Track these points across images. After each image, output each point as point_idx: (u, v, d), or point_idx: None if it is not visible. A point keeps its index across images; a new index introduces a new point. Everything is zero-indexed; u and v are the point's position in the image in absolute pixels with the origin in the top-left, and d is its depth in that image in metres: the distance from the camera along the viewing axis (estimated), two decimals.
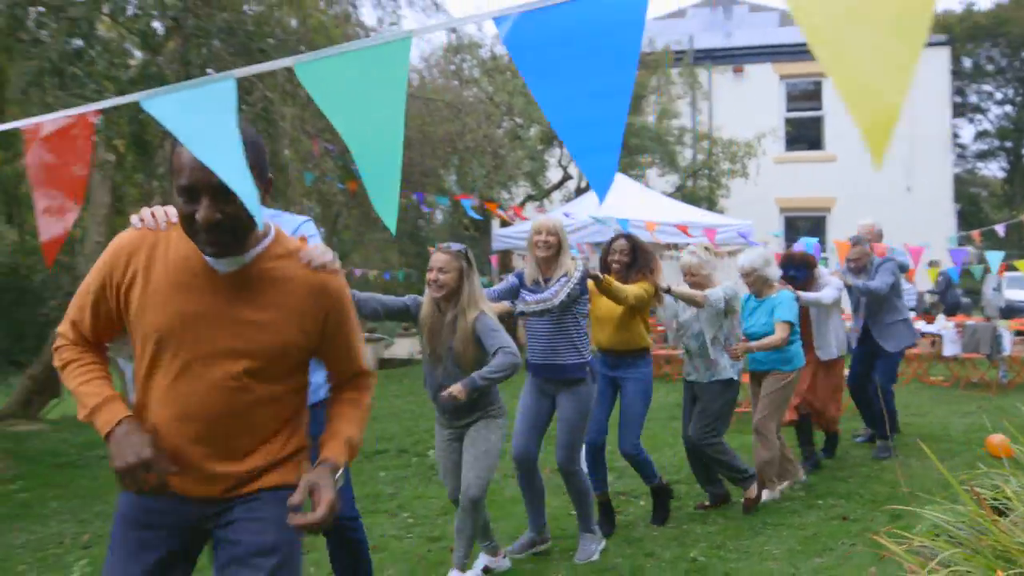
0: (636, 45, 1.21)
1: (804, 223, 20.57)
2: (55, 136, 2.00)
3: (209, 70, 7.93)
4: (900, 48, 0.97)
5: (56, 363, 2.08)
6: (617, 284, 4.78)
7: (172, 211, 2.03)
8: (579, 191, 18.49)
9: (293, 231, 3.05)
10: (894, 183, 18.95)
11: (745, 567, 4.30)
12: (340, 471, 2.02)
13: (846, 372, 6.64)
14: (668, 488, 5.26)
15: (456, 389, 3.77)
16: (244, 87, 7.22)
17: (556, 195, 19.88)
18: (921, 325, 11.24)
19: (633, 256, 5.04)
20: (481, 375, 3.80)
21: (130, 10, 6.22)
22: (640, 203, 13.26)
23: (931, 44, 19.15)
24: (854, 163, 18.98)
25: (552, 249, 4.52)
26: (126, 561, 2.01)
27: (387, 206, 1.49)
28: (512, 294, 4.65)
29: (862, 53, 0.99)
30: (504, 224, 15.33)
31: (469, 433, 4.09)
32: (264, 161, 1.94)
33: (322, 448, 2.07)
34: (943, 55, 19.62)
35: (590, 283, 4.67)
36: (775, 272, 5.67)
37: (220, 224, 1.83)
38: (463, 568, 4.07)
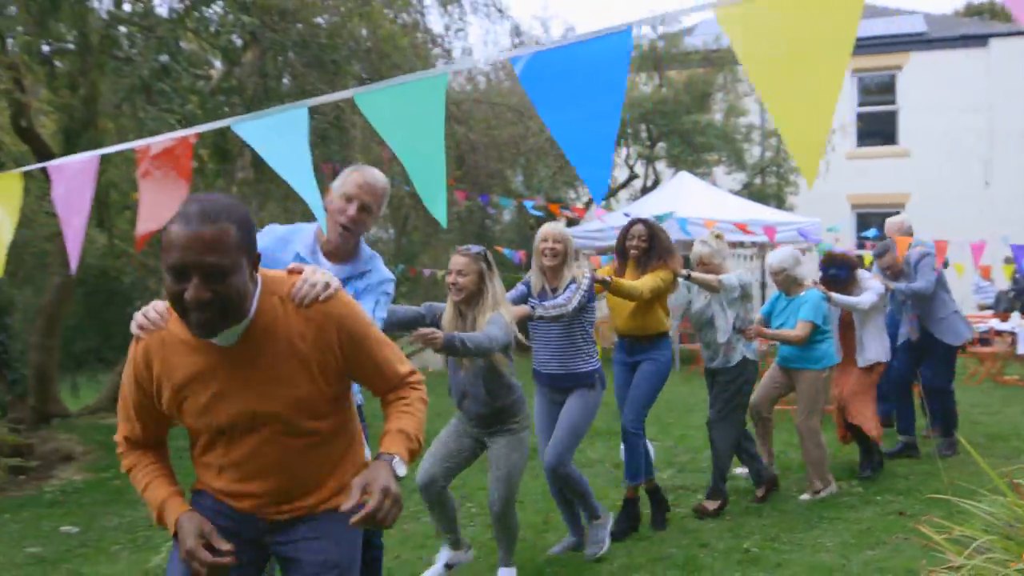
0: (623, 78, 1.41)
1: (877, 220, 20.14)
2: (162, 155, 2.27)
3: (285, 80, 8.36)
4: (823, 86, 1.16)
5: (122, 469, 2.20)
6: (627, 283, 4.76)
7: (161, 306, 2.07)
8: (644, 190, 18.53)
9: (380, 280, 3.06)
10: (971, 178, 18.47)
11: (797, 558, 4.41)
12: (397, 459, 2.00)
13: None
14: (638, 500, 5.09)
15: (438, 335, 3.55)
16: (315, 95, 7.54)
17: (623, 194, 19.96)
18: (995, 323, 11.02)
19: (651, 242, 4.97)
20: (459, 337, 3.63)
21: (212, 27, 6.62)
22: (704, 201, 13.28)
23: (1010, 34, 18.61)
24: (929, 158, 18.56)
25: (559, 257, 4.45)
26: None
27: (437, 205, 1.72)
28: (521, 301, 4.56)
29: (794, 90, 1.17)
30: (570, 224, 15.52)
31: (493, 449, 4.07)
32: (252, 236, 1.93)
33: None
34: (1021, 47, 19.02)
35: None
36: (804, 272, 5.70)
37: (210, 303, 1.84)
38: (508, 564, 4.19)
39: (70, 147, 7.33)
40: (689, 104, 17.18)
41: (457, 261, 3.92)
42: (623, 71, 1.39)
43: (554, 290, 4.50)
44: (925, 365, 6.51)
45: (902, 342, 6.56)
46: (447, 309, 4.03)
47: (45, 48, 7.11)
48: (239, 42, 7.35)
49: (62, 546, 5.31)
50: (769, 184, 19.06)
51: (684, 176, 14.91)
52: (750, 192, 18.26)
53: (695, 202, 13.08)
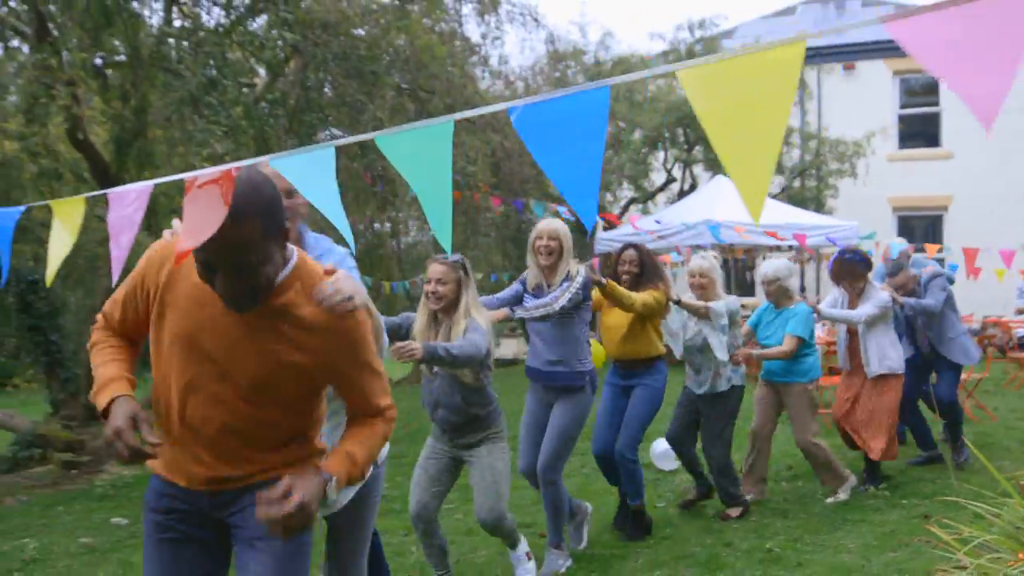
0: (603, 127, 1.57)
1: (919, 222, 19.95)
2: (207, 184, 2.46)
3: (326, 89, 8.64)
4: (766, 126, 1.32)
5: (88, 344, 2.21)
6: (622, 289, 4.72)
7: None
8: (682, 193, 18.56)
9: (335, 264, 2.96)
10: (1014, 180, 18.19)
11: (819, 559, 4.50)
12: (334, 482, 2.01)
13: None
14: (648, 518, 5.14)
15: (416, 347, 3.49)
16: (356, 107, 7.87)
17: (660, 197, 20.00)
18: None
19: (642, 267, 4.97)
20: (443, 346, 3.61)
21: (257, 41, 6.89)
22: (739, 205, 13.28)
23: None
24: (973, 160, 18.32)
25: (554, 255, 4.41)
26: (146, 542, 2.20)
27: (443, 233, 1.90)
28: (516, 300, 4.56)
29: (742, 142, 1.33)
30: (609, 227, 15.62)
31: (475, 461, 4.03)
32: (279, 218, 1.92)
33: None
34: None
35: (597, 291, 4.61)
36: (796, 284, 5.73)
37: (240, 292, 1.90)
38: (514, 546, 4.28)
39: (121, 156, 7.67)
40: None
41: (436, 270, 3.84)
42: (603, 121, 1.56)
43: (550, 286, 4.45)
44: (938, 380, 6.48)
45: (907, 357, 6.28)
46: (419, 317, 3.96)
47: (98, 61, 7.44)
48: (282, 55, 7.62)
49: (112, 537, 5.59)
50: (808, 187, 18.99)
51: (720, 180, 14.93)
52: (789, 195, 18.19)
53: (731, 206, 13.08)
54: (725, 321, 5.21)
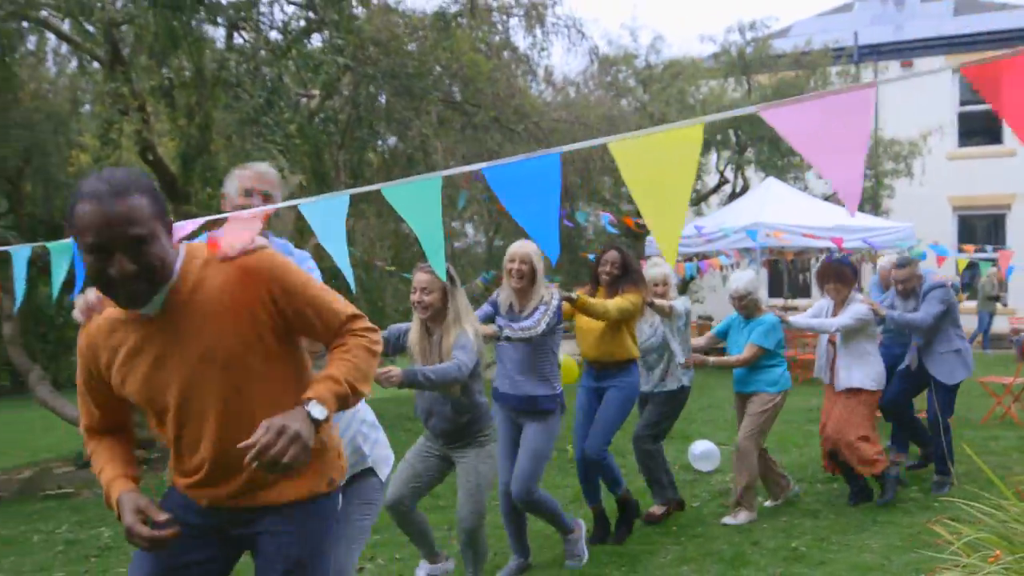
0: (556, 187, 1.86)
1: (980, 222, 19.60)
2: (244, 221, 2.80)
3: (381, 99, 9.03)
4: (676, 188, 1.58)
5: (85, 458, 2.40)
6: (592, 301, 4.75)
7: (92, 292, 2.11)
8: (733, 195, 18.58)
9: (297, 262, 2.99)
10: None
11: (842, 558, 4.67)
12: (313, 403, 1.97)
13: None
14: (633, 502, 5.24)
15: (395, 373, 3.53)
16: (403, 122, 8.26)
17: (713, 199, 20.02)
18: None
19: (624, 269, 5.01)
20: (422, 371, 3.64)
21: (311, 63, 7.30)
22: (790, 207, 13.25)
23: None
24: None
25: (525, 278, 4.40)
26: (142, 554, 2.17)
27: (437, 261, 2.21)
28: (487, 321, 4.55)
29: (659, 198, 1.60)
30: (641, 231, 15.74)
31: (461, 464, 4.09)
32: (163, 204, 1.97)
33: None
34: None
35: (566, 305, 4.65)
36: (764, 295, 5.69)
37: (137, 275, 1.87)
38: None
39: (187, 170, 8.17)
40: None
41: (421, 279, 3.83)
42: (556, 183, 1.85)
43: (522, 310, 4.47)
44: (933, 396, 6.06)
45: (901, 367, 6.25)
46: (413, 327, 3.97)
47: (165, 82, 7.94)
48: (335, 74, 8.02)
49: None
50: (864, 188, 18.82)
51: (771, 182, 14.93)
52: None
53: (780, 208, 13.09)
54: (683, 321, 5.40)
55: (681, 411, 5.62)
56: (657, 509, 5.55)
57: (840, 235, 12.16)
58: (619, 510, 5.25)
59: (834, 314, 5.69)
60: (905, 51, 20.58)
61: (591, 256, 12.16)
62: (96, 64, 8.55)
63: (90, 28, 7.62)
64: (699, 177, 18.85)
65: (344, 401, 2.03)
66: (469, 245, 17.58)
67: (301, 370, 2.16)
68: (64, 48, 10.85)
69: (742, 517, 5.41)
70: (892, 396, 6.19)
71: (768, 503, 5.72)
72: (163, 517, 1.97)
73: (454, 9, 8.63)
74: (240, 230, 2.17)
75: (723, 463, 6.81)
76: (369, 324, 2.15)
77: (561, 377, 4.69)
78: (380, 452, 3.24)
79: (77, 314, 2.12)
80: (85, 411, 2.20)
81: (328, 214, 2.39)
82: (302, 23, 8.00)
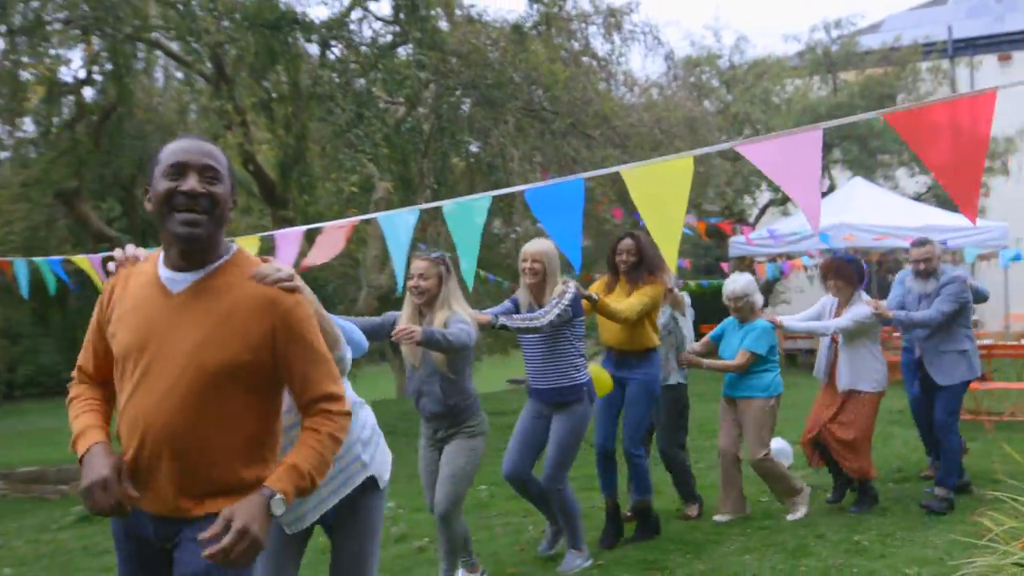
0: (579, 207, 2.21)
1: None
2: (336, 232, 3.20)
3: (464, 107, 9.46)
4: (673, 205, 1.88)
5: (67, 399, 2.26)
6: (613, 305, 4.79)
7: (132, 250, 2.27)
8: (821, 195, 18.34)
9: None
10: None
11: (902, 552, 4.78)
12: (277, 497, 1.99)
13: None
14: (653, 515, 5.24)
15: (416, 331, 3.72)
16: (482, 131, 8.67)
17: None
18: None
19: (640, 255, 4.95)
20: (439, 331, 3.82)
21: (397, 78, 7.78)
22: (876, 207, 13.09)
23: None
24: None
25: (538, 276, 4.52)
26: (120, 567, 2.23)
27: (574, 256, 2.57)
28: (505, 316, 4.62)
29: (663, 215, 1.90)
30: (735, 232, 15.73)
31: (445, 450, 4.22)
32: (235, 179, 2.17)
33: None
34: None
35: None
36: (760, 299, 5.56)
37: (203, 198, 2.02)
38: (450, 573, 4.33)
39: (284, 178, 8.76)
40: (866, 107, 16.90)
41: (419, 266, 4.01)
42: (579, 203, 2.21)
43: (540, 306, 4.55)
44: (936, 398, 5.73)
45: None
46: (404, 310, 4.16)
47: (265, 96, 8.55)
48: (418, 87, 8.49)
49: None
50: None
51: (857, 182, 14.76)
52: (936, 195, 17.64)
53: (866, 208, 12.95)
54: (691, 317, 5.57)
55: (686, 411, 5.63)
56: (692, 510, 5.64)
57: (928, 235, 12.04)
58: (640, 515, 5.24)
59: (838, 313, 5.57)
60: (1004, 44, 19.92)
61: None
62: (202, 80, 9.26)
63: (197, 47, 8.26)
64: None
65: (302, 493, 2.06)
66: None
67: (268, 426, 2.16)
68: (172, 63, 11.66)
69: (801, 511, 5.50)
70: (914, 395, 6.01)
71: (717, 517, 5.58)
72: (135, 493, 2.01)
73: (531, 21, 8.98)
74: (330, 243, 2.53)
75: (796, 460, 6.92)
76: (345, 408, 2.17)
77: (600, 388, 4.80)
78: (381, 458, 3.11)
79: (112, 266, 2.26)
80: (84, 353, 2.26)
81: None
82: (389, 38, 8.48)
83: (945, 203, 16.49)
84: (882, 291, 18.82)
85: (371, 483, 2.98)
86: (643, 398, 5.03)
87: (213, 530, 1.90)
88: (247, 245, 3.70)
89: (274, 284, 2.08)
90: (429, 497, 4.34)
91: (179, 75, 11.84)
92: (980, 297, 6.45)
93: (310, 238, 3.95)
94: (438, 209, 3.92)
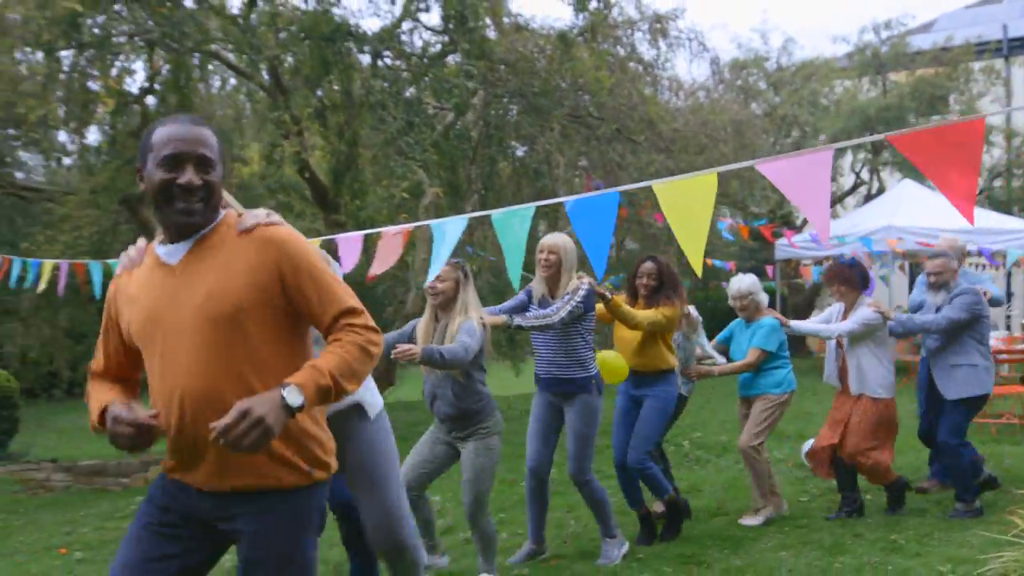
0: (612, 217, 2.40)
1: None
2: (392, 238, 3.44)
3: (512, 112, 9.68)
4: (700, 217, 2.06)
5: (86, 398, 2.30)
6: (626, 308, 4.87)
7: (142, 245, 2.30)
8: (869, 197, 18.21)
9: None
10: None
11: (938, 551, 4.86)
12: (291, 387, 1.96)
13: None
14: (681, 503, 5.39)
15: (415, 349, 3.88)
16: (528, 138, 8.92)
17: (849, 200, 19.66)
18: None
19: (660, 280, 5.05)
20: (438, 350, 3.95)
21: (446, 86, 8.04)
22: (925, 209, 12.97)
23: None
24: None
25: (552, 267, 4.64)
26: (132, 525, 2.22)
27: (515, 274, 2.81)
28: (520, 309, 4.78)
29: (689, 223, 2.08)
30: (778, 236, 15.71)
31: (465, 452, 4.33)
32: (224, 156, 2.19)
33: None
34: None
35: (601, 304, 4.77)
36: (765, 298, 5.62)
37: (200, 189, 2.07)
38: (489, 571, 4.48)
39: (337, 184, 9.08)
40: (916, 108, 16.74)
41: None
42: (613, 215, 2.40)
43: (554, 298, 4.70)
44: (942, 414, 5.65)
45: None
46: (425, 313, 4.34)
47: (319, 104, 8.87)
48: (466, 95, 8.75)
49: None
50: (1014, 188, 18.02)
51: (907, 184, 14.65)
52: (989, 198, 17.40)
53: (914, 210, 12.86)
54: (701, 335, 5.62)
55: (675, 419, 5.67)
56: (658, 506, 5.63)
57: (979, 238, 11.94)
58: (668, 513, 5.33)
59: (843, 318, 5.57)
60: None
61: (715, 262, 12.44)
62: (259, 90, 9.63)
63: (256, 59, 8.62)
64: (833, 179, 18.59)
65: (326, 394, 2.02)
66: None
67: (291, 365, 2.10)
68: (229, 71, 12.09)
69: (759, 519, 5.55)
70: (925, 417, 5.95)
71: (746, 520, 5.60)
72: (151, 413, 2.03)
73: (577, 28, 9.18)
74: (389, 251, 2.77)
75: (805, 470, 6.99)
76: (370, 322, 2.15)
77: (616, 374, 4.95)
78: (364, 390, 3.31)
79: (119, 268, 2.29)
80: (98, 355, 2.30)
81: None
82: (438, 47, 8.75)
83: (997, 205, 16.28)
84: None
85: (357, 410, 3.30)
86: (657, 414, 5.10)
87: (226, 420, 1.89)
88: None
89: (256, 227, 2.13)
90: (410, 475, 4.40)
91: (233, 81, 12.24)
92: (995, 302, 6.35)
93: (366, 242, 4.24)
94: (485, 215, 4.15)
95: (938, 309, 5.57)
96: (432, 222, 3.14)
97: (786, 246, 13.81)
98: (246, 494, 2.10)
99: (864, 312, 5.42)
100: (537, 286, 4.81)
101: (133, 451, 2.07)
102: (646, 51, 10.53)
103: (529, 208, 3.19)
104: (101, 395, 2.20)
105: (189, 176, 2.04)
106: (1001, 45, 18.88)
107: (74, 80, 9.04)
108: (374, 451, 3.42)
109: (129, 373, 2.30)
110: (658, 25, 10.54)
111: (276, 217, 2.20)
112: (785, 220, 17.57)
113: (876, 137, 2.65)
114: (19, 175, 13.58)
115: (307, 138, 9.34)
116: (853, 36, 18.67)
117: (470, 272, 4.30)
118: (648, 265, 5.11)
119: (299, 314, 2.14)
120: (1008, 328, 15.89)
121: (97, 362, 2.30)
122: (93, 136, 11.23)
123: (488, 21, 9.02)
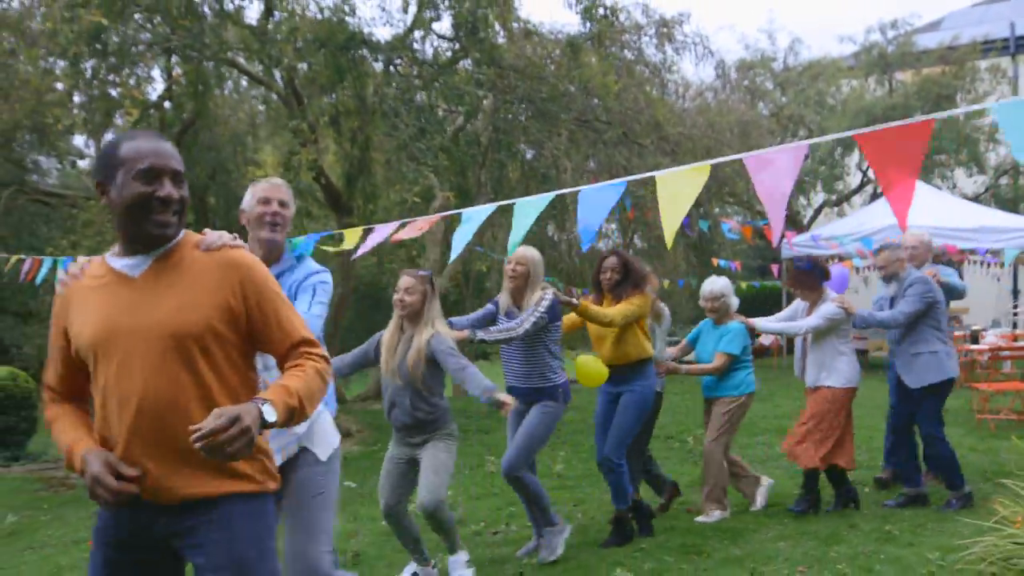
0: (611, 203, 2.75)
1: None
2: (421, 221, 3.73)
3: (522, 117, 9.92)
4: (682, 197, 2.34)
5: (46, 421, 2.29)
6: (595, 308, 4.93)
7: (83, 261, 2.28)
8: (875, 195, 18.31)
9: (308, 273, 3.38)
10: None
11: (930, 541, 5.05)
12: (267, 405, 1.99)
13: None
14: (626, 519, 5.30)
15: (504, 398, 4.06)
16: (536, 142, 9.16)
17: (856, 199, 19.76)
18: None
19: (624, 272, 5.09)
20: (486, 387, 4.08)
21: (457, 93, 8.28)
22: (930, 207, 13.03)
23: None
24: None
25: (520, 278, 4.74)
26: (91, 570, 2.19)
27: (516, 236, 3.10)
28: (488, 321, 4.88)
29: (675, 206, 2.36)
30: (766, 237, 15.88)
31: (424, 453, 4.36)
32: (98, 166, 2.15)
33: None
34: None
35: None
36: (735, 301, 5.84)
37: (176, 203, 2.11)
38: (455, 551, 4.53)
39: (350, 187, 9.33)
40: (922, 107, 16.85)
41: (405, 281, 4.31)
42: (615, 198, 2.88)
43: (520, 309, 4.79)
44: (916, 405, 5.78)
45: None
46: (391, 324, 4.42)
47: (333, 110, 9.12)
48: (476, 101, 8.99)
49: (345, 495, 7.05)
50: (1021, 185, 18.10)
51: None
52: (995, 195, 17.50)
53: (921, 209, 12.94)
54: (667, 325, 5.72)
55: (655, 418, 5.75)
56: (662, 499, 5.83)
57: (985, 236, 12.09)
58: (615, 523, 5.34)
59: (808, 314, 5.70)
60: None
61: (721, 262, 12.63)
62: (275, 96, 9.89)
63: (274, 71, 8.88)
64: (840, 178, 18.71)
65: (291, 415, 2.07)
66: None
67: (246, 382, 2.20)
68: (243, 77, 12.35)
69: (715, 515, 5.67)
70: (893, 405, 6.02)
71: (754, 508, 5.85)
72: (132, 472, 2.03)
73: (584, 34, 9.39)
74: (416, 227, 3.12)
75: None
76: (323, 352, 2.25)
77: (594, 379, 5.03)
78: (320, 432, 3.21)
79: (59, 286, 2.27)
80: (51, 371, 2.28)
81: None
82: (449, 54, 8.98)
83: (1003, 203, 16.38)
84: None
85: (304, 453, 3.13)
86: (635, 408, 5.15)
87: (208, 425, 1.89)
88: (349, 237, 4.31)
89: (222, 248, 2.17)
90: (385, 499, 4.46)
91: (244, 83, 12.48)
92: (956, 293, 6.45)
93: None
94: (492, 215, 4.39)
95: (892, 299, 5.74)
96: (462, 211, 3.48)
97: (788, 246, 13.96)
98: (201, 503, 2.09)
99: (828, 307, 5.55)
100: (504, 297, 4.92)
101: (111, 506, 2.06)
102: (653, 54, 10.73)
103: (543, 199, 3.53)
104: (68, 431, 2.18)
105: (168, 189, 2.08)
106: (1008, 43, 18.97)
107: (94, 87, 9.31)
108: (313, 492, 3.19)
109: (81, 389, 2.26)
110: (664, 30, 10.75)
111: (240, 240, 2.26)
112: (792, 220, 17.71)
113: (845, 134, 2.89)
114: (34, 178, 13.84)
115: (320, 142, 9.59)
116: (860, 36, 18.79)
117: (437, 285, 4.39)
118: (611, 260, 5.17)
119: (255, 336, 2.18)
120: (1015, 326, 16.02)
121: (52, 377, 2.28)
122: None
123: (498, 28, 9.24)
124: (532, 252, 4.82)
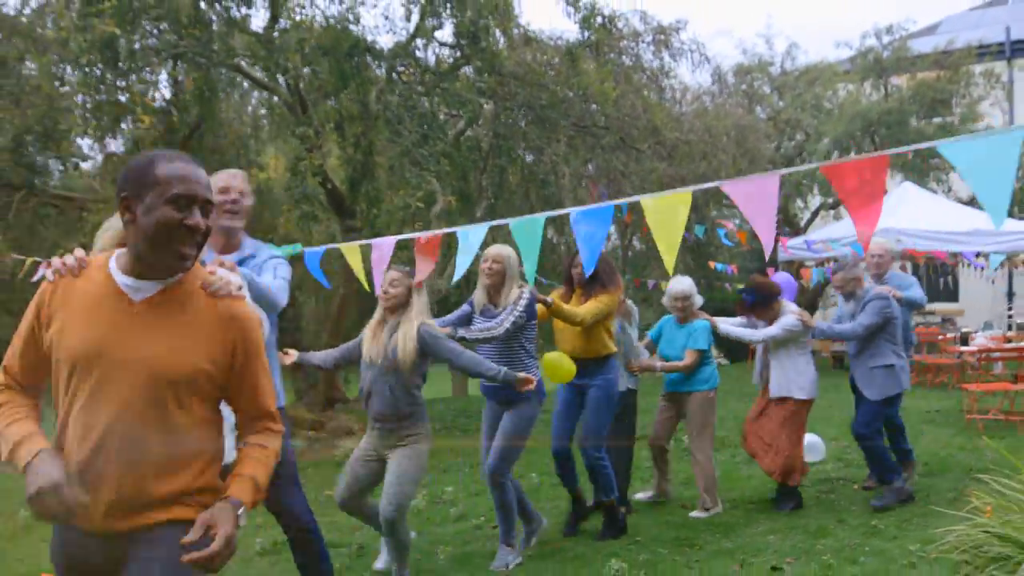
0: (607, 225, 2.89)
1: None
2: (428, 242, 3.90)
3: (522, 123, 10.13)
4: (676, 227, 2.51)
5: None
6: (568, 308, 5.05)
7: (81, 255, 2.15)
8: None
9: (269, 256, 3.57)
10: None
11: (914, 534, 5.24)
12: (242, 509, 2.04)
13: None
14: (616, 509, 5.47)
15: (523, 378, 4.32)
16: (537, 148, 9.35)
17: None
18: None
19: (595, 268, 5.00)
20: (502, 370, 4.35)
21: (459, 99, 8.49)
22: (924, 212, 13.24)
23: None
24: None
25: (496, 276, 4.83)
26: None
27: (530, 274, 3.27)
28: (465, 321, 4.97)
29: (667, 231, 2.54)
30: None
31: (393, 456, 4.41)
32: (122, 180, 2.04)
33: (227, 487, 2.10)
34: None
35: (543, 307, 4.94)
36: (699, 300, 6.02)
37: (202, 233, 2.04)
38: (400, 572, 4.51)
39: (354, 192, 9.52)
40: (917, 111, 17.05)
41: (391, 275, 4.45)
42: (608, 222, 3.15)
43: (496, 307, 4.89)
44: (856, 409, 6.11)
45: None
46: (375, 315, 4.54)
47: (337, 116, 9.31)
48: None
49: None
50: (1015, 191, 18.29)
51: (907, 186, 14.95)
52: None
53: (914, 213, 13.15)
54: (635, 324, 5.88)
55: (634, 415, 5.96)
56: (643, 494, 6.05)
57: (979, 240, 12.26)
58: (605, 514, 5.49)
59: (769, 325, 5.91)
60: None
61: (718, 266, 12.83)
62: (278, 100, 10.08)
63: (280, 78, 9.07)
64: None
65: (255, 506, 2.15)
66: (609, 251, 18.52)
67: (216, 438, 2.19)
68: (246, 81, 12.55)
69: (700, 515, 5.88)
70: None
71: (640, 495, 6.24)
72: (86, 500, 1.97)
73: (583, 41, 9.61)
74: (424, 261, 3.27)
75: (828, 455, 7.40)
76: (281, 427, 2.29)
77: (561, 375, 5.11)
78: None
79: (50, 272, 2.15)
80: (13, 355, 2.18)
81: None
82: (451, 61, 9.19)
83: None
84: (930, 295, 18.88)
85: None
86: (603, 403, 5.28)
87: (197, 535, 1.95)
88: (349, 253, 4.49)
89: (226, 296, 2.14)
90: (343, 491, 4.58)
91: (246, 85, 12.66)
92: (916, 305, 6.64)
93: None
94: (503, 223, 4.60)
95: (852, 316, 5.93)
96: (458, 229, 3.66)
97: (790, 248, 14.15)
98: (148, 529, 2.05)
99: (788, 319, 5.79)
100: (479, 296, 5.02)
101: (51, 519, 1.99)
102: (650, 60, 10.93)
103: (540, 217, 3.75)
104: (21, 423, 2.09)
105: (197, 218, 2.02)
106: (1003, 48, 19.17)
107: (102, 92, 9.49)
108: None
109: (39, 381, 2.19)
110: (661, 37, 10.95)
111: (244, 290, 2.40)
112: (789, 222, 17.91)
113: (811, 166, 3.12)
114: (37, 180, 14.00)
115: (324, 146, 9.79)
116: (856, 41, 18.98)
117: (435, 286, 4.65)
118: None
119: (227, 391, 2.17)
120: (1010, 328, 16.20)
121: (13, 363, 2.18)
122: (113, 144, 11.66)
123: (498, 35, 9.44)
124: (507, 250, 4.92)
